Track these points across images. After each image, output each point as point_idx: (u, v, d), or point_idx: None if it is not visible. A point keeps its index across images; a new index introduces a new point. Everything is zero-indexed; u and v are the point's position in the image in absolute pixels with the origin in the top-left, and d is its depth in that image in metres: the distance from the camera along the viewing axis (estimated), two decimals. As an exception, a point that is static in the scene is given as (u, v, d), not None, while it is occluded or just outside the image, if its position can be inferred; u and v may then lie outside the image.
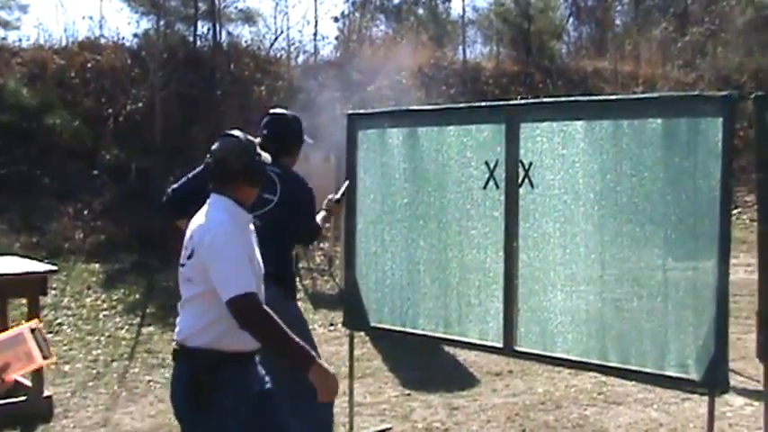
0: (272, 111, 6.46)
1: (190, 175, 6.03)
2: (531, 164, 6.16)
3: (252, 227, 4.63)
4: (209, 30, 21.60)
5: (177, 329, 4.53)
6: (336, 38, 27.37)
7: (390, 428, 7.67)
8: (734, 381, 8.06)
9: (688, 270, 5.65)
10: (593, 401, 8.23)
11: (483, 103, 7.37)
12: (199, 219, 4.51)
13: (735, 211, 19.67)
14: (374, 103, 18.71)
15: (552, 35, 29.85)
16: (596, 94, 19.62)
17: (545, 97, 9.86)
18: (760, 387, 6.10)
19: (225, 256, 4.29)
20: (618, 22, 36.19)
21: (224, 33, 22.36)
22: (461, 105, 7.44)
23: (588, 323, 6.00)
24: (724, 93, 5.55)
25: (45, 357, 3.59)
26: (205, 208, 4.55)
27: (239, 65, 21.33)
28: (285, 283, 5.93)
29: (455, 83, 23.16)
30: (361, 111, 8.05)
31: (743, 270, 12.55)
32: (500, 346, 6.47)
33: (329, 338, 11.09)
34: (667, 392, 8.07)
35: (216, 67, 20.61)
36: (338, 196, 6.86)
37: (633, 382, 8.04)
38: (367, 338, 10.46)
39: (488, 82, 24.76)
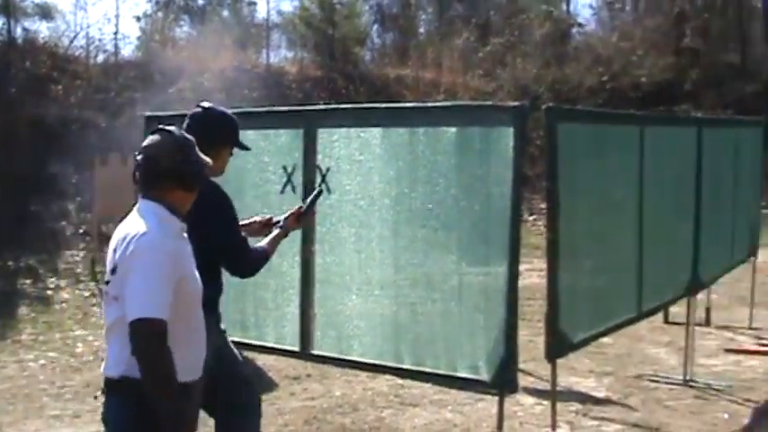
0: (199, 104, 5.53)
1: None
2: (328, 169, 6.21)
3: (186, 235, 4.04)
4: (2, 24, 20.91)
5: (107, 360, 3.93)
6: (138, 38, 26.86)
7: None
8: (525, 381, 8.34)
9: (480, 275, 5.80)
10: (389, 404, 8.33)
11: (282, 108, 7.39)
12: (123, 228, 3.93)
13: (530, 218, 20.31)
14: (175, 105, 18.46)
15: (356, 41, 30.13)
16: (398, 101, 19.88)
17: (348, 103, 9.95)
18: (549, 387, 6.30)
19: (141, 269, 3.73)
20: (421, 30, 36.80)
21: (19, 28, 21.66)
22: (260, 109, 7.46)
23: (383, 326, 6.10)
24: (516, 103, 5.75)
25: None
26: (131, 215, 3.98)
27: (36, 62, 20.68)
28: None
29: (258, 86, 23.04)
30: (160, 113, 7.93)
31: (536, 275, 12.93)
32: (297, 349, 6.50)
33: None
34: (462, 394, 8.24)
35: (10, 63, 19.92)
36: (304, 206, 5.60)
37: (429, 384, 8.17)
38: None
39: (291, 86, 24.78)
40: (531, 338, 9.60)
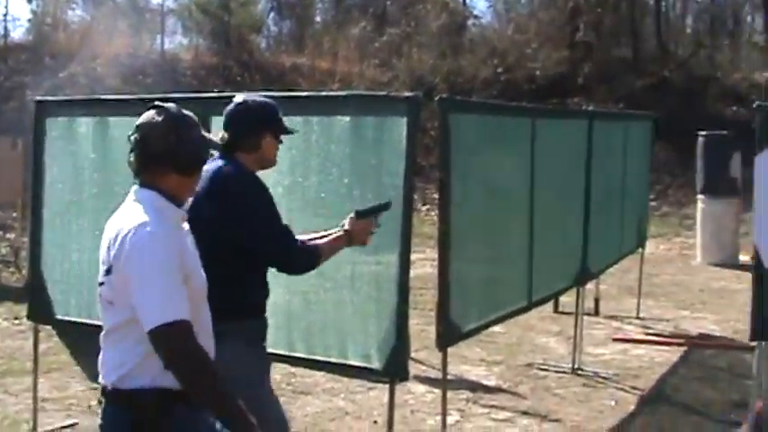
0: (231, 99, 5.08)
1: None
2: (221, 157, 6.16)
3: (186, 226, 3.62)
4: None
5: (103, 369, 3.59)
6: (29, 20, 26.30)
7: (76, 424, 7.48)
8: (416, 370, 8.42)
9: (372, 264, 5.82)
10: (281, 392, 8.28)
11: (175, 95, 7.31)
12: (116, 221, 3.50)
13: (423, 208, 20.46)
14: (67, 90, 18.16)
15: (252, 29, 29.96)
16: (293, 90, 19.84)
17: (243, 91, 9.84)
18: (440, 375, 6.36)
19: (148, 268, 3.31)
20: (318, 18, 36.77)
21: None
22: (154, 96, 7.33)
23: (276, 315, 6.06)
24: (410, 94, 5.76)
25: None
26: (124, 205, 3.55)
27: None
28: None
29: (152, 73, 22.81)
30: (51, 98, 7.80)
31: (429, 264, 13.01)
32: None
33: (13, 333, 10.68)
34: (354, 382, 8.27)
35: None
36: (362, 210, 5.09)
37: (321, 373, 8.19)
38: (54, 332, 10.13)
39: (186, 73, 24.58)
40: (424, 327, 9.69)
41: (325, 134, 5.84)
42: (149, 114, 3.55)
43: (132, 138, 3.55)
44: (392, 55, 28.85)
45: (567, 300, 10.50)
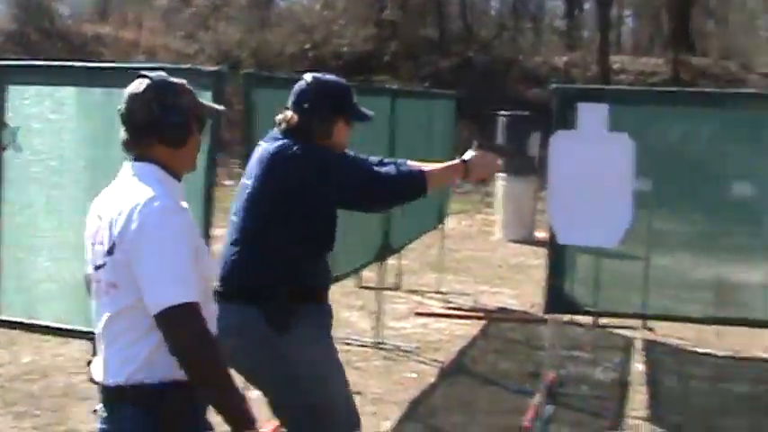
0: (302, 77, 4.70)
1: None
2: (18, 128, 5.99)
3: (185, 204, 3.27)
4: None
5: (107, 364, 3.24)
6: None
7: None
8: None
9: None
10: (80, 369, 8.15)
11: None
12: (115, 197, 3.23)
13: (229, 183, 20.28)
14: None
15: (54, -4, 29.09)
16: (96, 60, 19.37)
17: (43, 60, 9.58)
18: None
19: (158, 244, 3.07)
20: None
21: None
22: None
23: (75, 290, 5.96)
24: (215, 68, 5.74)
25: None
26: (120, 181, 3.30)
27: None
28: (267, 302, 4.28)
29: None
30: None
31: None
32: (-19, 316, 6.26)
33: None
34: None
35: None
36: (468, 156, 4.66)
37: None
38: None
39: (-18, 40, 23.67)
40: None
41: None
42: (134, 84, 3.29)
43: (119, 110, 3.29)
44: (199, 28, 28.53)
45: (369, 275, 10.63)
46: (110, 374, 3.21)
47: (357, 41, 28.85)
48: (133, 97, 3.23)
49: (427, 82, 25.60)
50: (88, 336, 6.05)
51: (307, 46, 28.12)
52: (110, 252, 3.14)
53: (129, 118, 3.24)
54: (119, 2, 31.64)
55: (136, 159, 3.28)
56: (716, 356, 9.23)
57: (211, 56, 25.99)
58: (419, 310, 10.99)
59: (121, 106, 3.26)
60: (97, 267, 3.22)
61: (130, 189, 3.18)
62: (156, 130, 3.22)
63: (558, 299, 7.15)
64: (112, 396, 3.21)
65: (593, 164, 6.79)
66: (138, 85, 3.25)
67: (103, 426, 3.29)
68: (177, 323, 3.00)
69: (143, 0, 29.93)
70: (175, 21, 28.58)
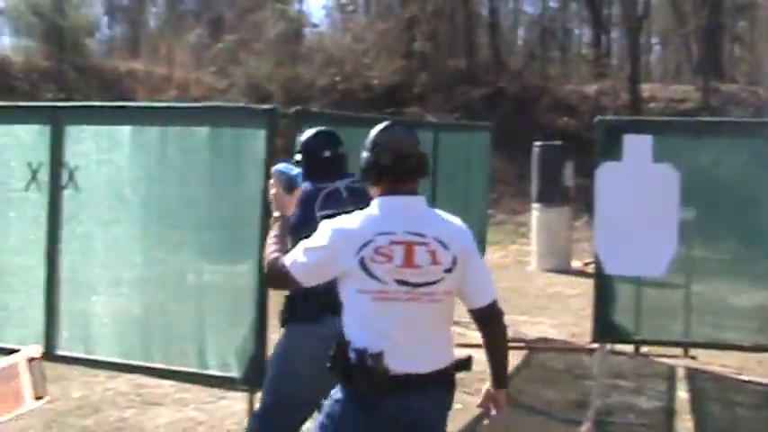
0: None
1: None
2: (76, 167, 6.12)
3: None
4: None
5: (434, 354, 4.05)
6: None
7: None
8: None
9: (230, 273, 5.88)
10: (131, 403, 8.25)
11: (26, 103, 7.22)
12: (442, 223, 4.02)
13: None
14: None
15: (86, 32, 29.40)
16: (129, 96, 19.60)
17: (78, 96, 9.76)
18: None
19: (479, 256, 4.06)
20: (152, 23, 36.34)
21: None
22: (5, 104, 7.24)
23: (132, 326, 6.08)
24: (267, 106, 5.86)
25: (38, 398, 2.72)
26: (429, 211, 4.06)
27: None
28: None
29: (-18, 77, 22.21)
30: None
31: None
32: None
33: None
34: (204, 392, 8.25)
35: None
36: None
37: (171, 384, 8.15)
38: None
39: (18, 77, 23.92)
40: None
41: (183, 145, 5.87)
42: (400, 131, 4.12)
43: (414, 153, 4.00)
44: (229, 62, 28.72)
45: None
46: (435, 362, 4.00)
47: (386, 73, 28.90)
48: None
49: (458, 113, 25.63)
50: (146, 370, 6.19)
51: (337, 78, 28.21)
52: (449, 270, 3.88)
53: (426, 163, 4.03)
54: (149, 38, 31.93)
55: (417, 192, 4.02)
56: (759, 384, 9.23)
57: (242, 90, 26.15)
58: (460, 342, 11.01)
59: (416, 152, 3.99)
60: (432, 283, 3.86)
61: (445, 217, 4.05)
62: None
63: (605, 328, 7.20)
64: (441, 379, 4.03)
65: (639, 194, 6.86)
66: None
67: (421, 406, 3.97)
68: (500, 311, 4.03)
69: (173, 36, 30.19)
70: (206, 56, 28.80)
